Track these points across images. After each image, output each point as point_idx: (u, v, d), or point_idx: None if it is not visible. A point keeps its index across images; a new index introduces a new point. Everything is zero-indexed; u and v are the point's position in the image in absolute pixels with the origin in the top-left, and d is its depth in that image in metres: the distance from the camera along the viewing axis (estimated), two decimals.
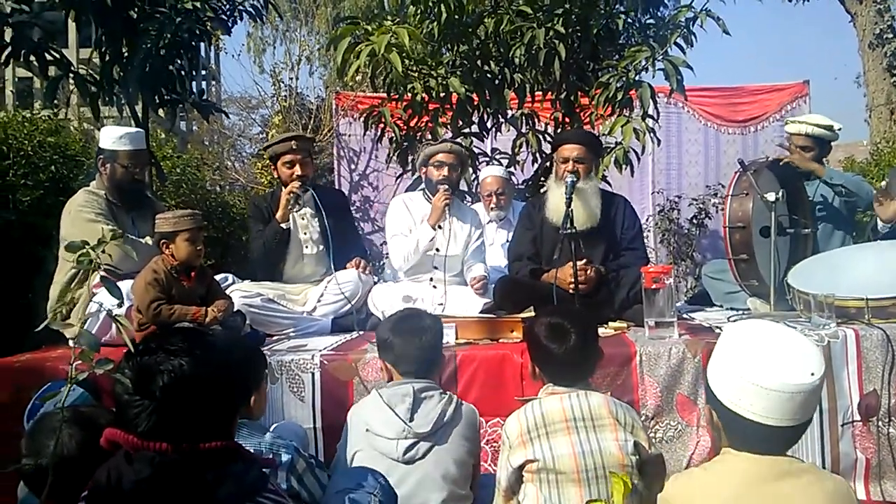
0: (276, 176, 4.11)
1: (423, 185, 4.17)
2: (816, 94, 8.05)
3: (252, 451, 2.11)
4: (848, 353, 2.99)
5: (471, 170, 5.26)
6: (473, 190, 5.36)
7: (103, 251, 1.35)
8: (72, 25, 8.70)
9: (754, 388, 1.59)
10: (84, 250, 1.31)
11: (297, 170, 3.92)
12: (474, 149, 5.41)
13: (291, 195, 3.86)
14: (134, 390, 1.35)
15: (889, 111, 10.00)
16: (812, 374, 1.58)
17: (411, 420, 2.31)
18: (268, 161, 4.48)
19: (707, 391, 1.74)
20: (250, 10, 5.48)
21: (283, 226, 3.90)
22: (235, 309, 3.37)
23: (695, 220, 7.92)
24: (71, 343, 3.33)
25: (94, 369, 1.33)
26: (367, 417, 2.38)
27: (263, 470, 1.52)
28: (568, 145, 3.81)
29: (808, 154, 4.19)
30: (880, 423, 2.95)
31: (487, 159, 5.65)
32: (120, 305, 1.75)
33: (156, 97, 5.17)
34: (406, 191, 4.90)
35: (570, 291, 3.45)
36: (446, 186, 3.91)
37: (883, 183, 3.78)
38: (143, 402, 1.35)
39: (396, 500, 1.95)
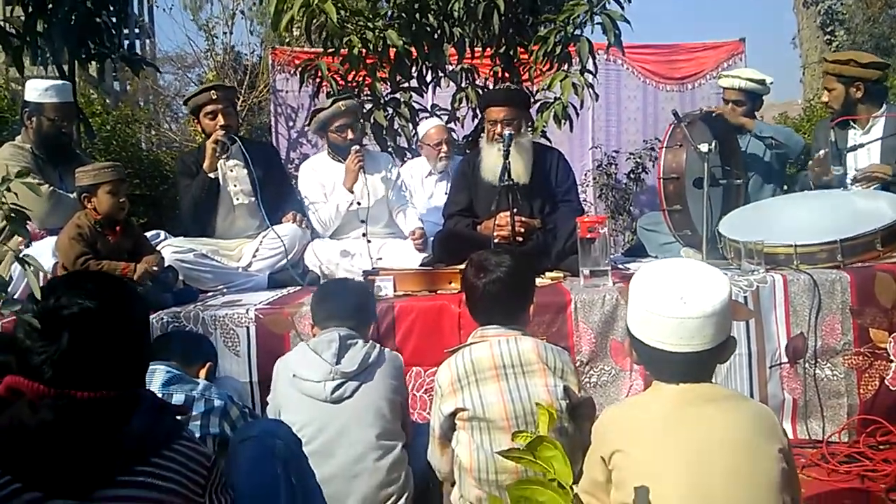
0: (200, 129, 4.00)
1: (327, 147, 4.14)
2: (752, 53, 8.19)
3: (184, 397, 2.10)
4: (776, 298, 3.06)
5: (411, 125, 5.21)
6: (413, 145, 5.31)
7: (8, 189, 1.28)
8: None
9: (652, 315, 1.66)
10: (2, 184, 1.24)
11: (220, 119, 3.83)
12: (414, 104, 5.35)
13: (217, 143, 3.77)
14: (39, 335, 1.28)
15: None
16: (705, 299, 1.63)
17: (338, 363, 2.34)
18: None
19: (626, 328, 1.80)
20: None
21: (211, 175, 3.82)
22: (167, 264, 3.30)
23: (632, 175, 8.02)
24: None
25: (1, 310, 1.27)
26: (293, 365, 2.41)
27: (177, 418, 1.49)
28: (494, 108, 3.80)
29: (740, 108, 4.26)
30: (807, 364, 3.04)
31: (427, 115, 5.60)
32: (28, 245, 1.68)
33: (83, 51, 4.98)
34: None
35: (506, 241, 3.47)
36: (357, 147, 3.88)
37: (821, 152, 3.88)
38: (48, 348, 1.28)
39: (301, 446, 1.94)
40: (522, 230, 3.60)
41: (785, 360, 3.06)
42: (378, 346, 2.48)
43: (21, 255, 1.26)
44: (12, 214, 1.28)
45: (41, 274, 3.04)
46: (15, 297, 2.37)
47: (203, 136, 4.00)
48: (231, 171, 3.94)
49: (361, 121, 4.14)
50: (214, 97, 3.85)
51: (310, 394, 2.33)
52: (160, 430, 1.37)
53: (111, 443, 1.30)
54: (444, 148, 4.81)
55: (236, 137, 3.89)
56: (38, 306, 1.29)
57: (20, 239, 3.29)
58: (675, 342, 1.64)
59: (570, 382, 2.18)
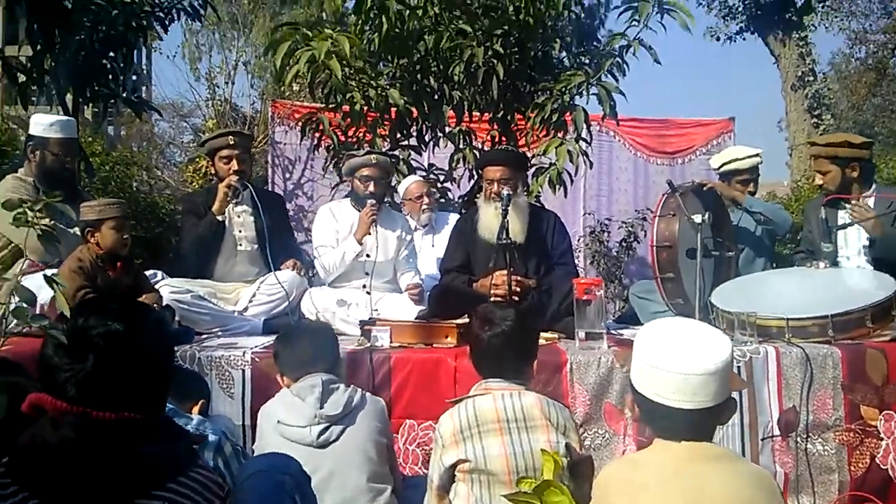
0: (212, 172, 4.05)
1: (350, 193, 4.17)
2: (740, 132, 8.41)
3: None
4: (769, 370, 3.09)
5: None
6: (396, 201, 5.37)
7: (40, 210, 1.30)
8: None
9: (656, 370, 1.68)
10: (21, 209, 1.25)
11: (234, 164, 3.89)
12: (412, 162, 5.43)
13: (229, 188, 3.82)
14: (66, 353, 1.29)
15: (808, 145, 10.61)
16: (709, 357, 1.66)
17: (321, 408, 2.34)
18: (201, 164, 4.43)
19: (630, 383, 1.82)
20: (188, 8, 5.40)
21: (219, 218, 3.85)
22: (165, 304, 3.28)
23: (624, 244, 8.10)
24: None
25: (30, 324, 1.27)
26: (277, 412, 2.40)
27: (194, 446, 1.48)
28: (492, 167, 3.87)
29: (751, 185, 4.41)
30: (798, 438, 3.06)
31: (423, 172, 5.68)
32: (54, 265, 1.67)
33: (87, 90, 5.04)
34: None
35: (502, 300, 3.49)
36: (373, 201, 3.92)
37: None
38: (74, 367, 1.29)
39: (310, 482, 1.93)
40: (519, 289, 3.63)
41: (777, 433, 3.07)
42: (359, 389, 2.49)
43: (48, 276, 1.26)
44: (40, 233, 1.29)
45: (38, 304, 3.04)
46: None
47: (215, 177, 4.03)
48: (238, 216, 3.97)
49: (388, 179, 4.18)
50: (232, 142, 3.92)
51: (295, 439, 2.32)
52: (178, 456, 1.37)
53: (130, 465, 1.30)
54: (426, 200, 4.88)
55: (248, 184, 3.93)
56: (67, 325, 1.30)
57: (18, 269, 3.29)
58: (678, 398, 1.66)
59: (571, 440, 2.19)
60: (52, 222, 3.51)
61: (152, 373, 1.38)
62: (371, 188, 3.97)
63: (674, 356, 1.67)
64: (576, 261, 4.74)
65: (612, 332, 3.90)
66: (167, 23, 5.47)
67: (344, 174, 4.17)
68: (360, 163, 4.02)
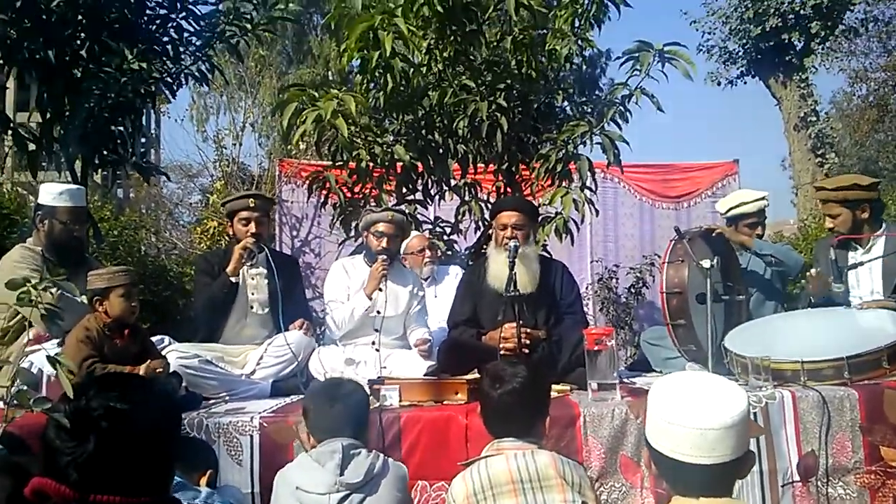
0: (230, 234, 4.08)
1: (364, 250, 4.17)
2: (745, 173, 8.44)
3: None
4: (785, 415, 3.05)
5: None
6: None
7: (45, 289, 1.30)
8: (10, 86, 8.58)
9: (672, 427, 1.66)
10: (25, 288, 1.26)
11: (252, 227, 3.92)
12: (418, 216, 5.46)
13: (245, 250, 3.84)
14: (68, 436, 1.27)
15: (815, 189, 10.67)
16: (726, 410, 1.64)
17: (342, 475, 2.27)
18: (209, 225, 4.45)
19: (645, 441, 1.79)
20: (196, 74, 5.50)
21: (233, 279, 3.86)
22: (172, 370, 3.27)
23: (632, 290, 8.08)
24: None
25: (32, 408, 1.26)
26: (295, 478, 2.33)
27: None
28: (506, 212, 3.89)
29: (759, 228, 4.41)
30: (819, 483, 2.99)
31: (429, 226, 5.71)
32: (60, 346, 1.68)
33: (96, 158, 5.10)
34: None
35: (512, 353, 3.46)
36: (384, 257, 3.92)
37: (812, 271, 3.96)
38: (75, 450, 1.26)
39: None
40: (528, 341, 3.60)
41: (797, 478, 3.01)
42: (382, 456, 2.42)
43: (51, 356, 1.26)
44: (48, 307, 1.29)
45: (44, 377, 3.02)
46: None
47: (232, 239, 4.06)
48: (252, 279, 3.99)
49: (402, 237, 4.21)
50: (252, 205, 3.96)
51: None
52: None
53: None
54: (428, 253, 4.90)
55: (265, 247, 3.96)
56: (69, 406, 1.28)
57: (24, 341, 3.29)
58: (696, 454, 1.63)
59: (587, 498, 2.15)
60: (59, 292, 3.55)
61: (157, 452, 1.36)
62: (384, 244, 3.98)
63: (690, 411, 1.65)
64: (585, 309, 4.71)
65: (625, 380, 3.85)
66: (175, 88, 5.56)
67: (361, 229, 4.17)
68: (376, 218, 4.04)
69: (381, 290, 3.88)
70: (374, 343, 3.84)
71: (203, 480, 2.34)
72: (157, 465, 1.37)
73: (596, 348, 3.21)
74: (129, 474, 1.30)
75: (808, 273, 4.04)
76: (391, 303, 3.93)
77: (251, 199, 4.00)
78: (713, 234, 4.14)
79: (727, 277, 4.09)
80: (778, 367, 3.26)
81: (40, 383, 2.94)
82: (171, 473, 1.44)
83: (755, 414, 3.00)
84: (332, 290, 4.09)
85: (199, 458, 2.43)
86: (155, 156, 15.20)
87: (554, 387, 3.44)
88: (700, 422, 1.63)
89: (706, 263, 3.64)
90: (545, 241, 5.18)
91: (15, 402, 1.35)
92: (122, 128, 5.35)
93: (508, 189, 5.49)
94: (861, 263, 3.95)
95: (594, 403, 3.10)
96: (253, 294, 3.97)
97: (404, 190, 5.30)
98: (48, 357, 1.32)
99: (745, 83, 13.37)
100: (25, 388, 1.31)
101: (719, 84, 13.70)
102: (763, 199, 4.49)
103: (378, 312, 3.89)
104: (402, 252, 4.96)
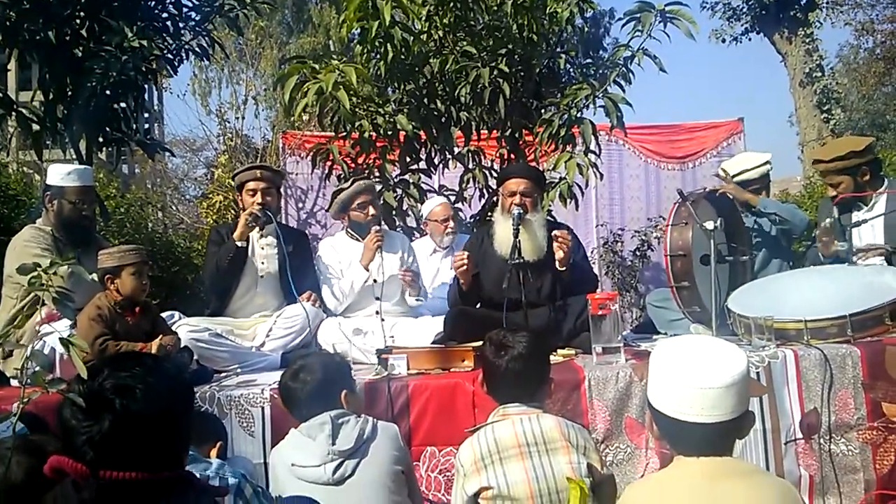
0: (241, 206, 4.11)
1: (346, 226, 4.25)
2: (751, 131, 8.38)
3: (198, 476, 2.10)
4: (788, 374, 3.09)
5: (419, 206, 5.31)
6: (420, 225, 5.40)
7: (55, 273, 1.34)
8: (12, 67, 8.57)
9: (673, 386, 1.70)
10: (36, 272, 1.29)
11: (258, 198, 3.96)
12: (422, 185, 5.47)
13: (251, 216, 3.88)
14: (83, 415, 1.30)
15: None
16: (725, 369, 1.68)
17: (333, 444, 2.32)
18: (214, 200, 4.48)
19: (647, 402, 1.82)
20: (197, 49, 5.49)
21: (239, 244, 3.90)
22: (182, 345, 3.32)
23: (638, 252, 8.10)
24: (14, 382, 3.24)
25: (47, 389, 1.30)
26: (288, 453, 2.37)
27: (216, 499, 1.50)
28: (514, 179, 3.88)
29: (762, 192, 4.39)
30: (822, 440, 3.04)
31: (433, 194, 5.72)
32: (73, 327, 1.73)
33: (100, 136, 5.12)
34: None
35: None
36: (377, 227, 3.98)
37: (827, 222, 3.95)
38: (92, 428, 1.29)
39: None
40: (465, 265, 3.72)
41: (800, 435, 3.06)
42: (370, 419, 2.44)
43: (63, 338, 1.30)
44: (59, 293, 1.33)
45: (57, 356, 3.08)
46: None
47: (241, 210, 4.11)
48: (262, 248, 4.04)
49: (379, 198, 4.25)
50: (259, 176, 4.00)
51: (311, 480, 2.29)
52: None
53: None
54: (451, 224, 4.90)
55: (273, 218, 4.01)
56: (84, 386, 1.32)
57: (38, 319, 3.34)
58: (696, 412, 1.67)
59: (592, 460, 2.19)
60: (69, 269, 3.60)
61: (171, 429, 1.39)
62: (371, 212, 4.07)
63: (690, 370, 1.69)
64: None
65: (630, 343, 3.89)
66: (176, 64, 5.55)
67: (337, 213, 4.20)
68: (351, 193, 4.11)
69: (381, 258, 3.93)
70: (377, 312, 3.88)
71: (213, 452, 2.38)
72: (172, 441, 1.40)
73: (600, 313, 3.25)
74: (144, 451, 1.33)
75: (818, 233, 4.03)
76: (386, 269, 3.96)
77: (258, 171, 4.04)
78: (717, 195, 4.14)
79: (731, 238, 4.10)
80: (781, 327, 3.30)
81: (54, 362, 3.01)
82: (185, 449, 1.47)
83: (758, 374, 3.04)
84: (325, 268, 4.17)
85: (208, 431, 2.46)
86: (158, 131, 15.21)
87: (559, 351, 3.50)
88: (700, 381, 1.66)
89: (710, 225, 3.66)
90: (549, 206, 5.19)
91: (30, 382, 1.38)
92: (124, 105, 5.36)
93: (512, 155, 5.48)
94: (864, 221, 3.95)
95: (599, 367, 3.15)
96: (263, 263, 4.02)
97: (408, 159, 5.31)
98: (61, 339, 1.35)
99: (750, 40, 13.24)
100: (39, 368, 1.34)
101: (724, 41, 13.56)
102: (767, 163, 4.47)
103: (375, 281, 3.94)
104: (424, 218, 5.00)
